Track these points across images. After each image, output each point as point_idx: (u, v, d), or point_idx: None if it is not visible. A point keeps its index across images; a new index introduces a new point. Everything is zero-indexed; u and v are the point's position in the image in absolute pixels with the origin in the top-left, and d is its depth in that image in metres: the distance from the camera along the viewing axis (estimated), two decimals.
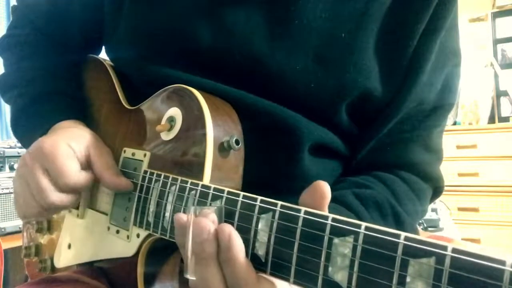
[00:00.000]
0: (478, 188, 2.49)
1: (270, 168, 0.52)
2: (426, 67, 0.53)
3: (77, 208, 0.58)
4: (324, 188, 0.34)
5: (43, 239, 0.68)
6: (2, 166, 1.57)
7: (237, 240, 0.34)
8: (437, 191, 0.60)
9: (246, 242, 0.35)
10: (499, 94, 2.79)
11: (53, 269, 0.64)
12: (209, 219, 0.36)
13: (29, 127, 0.60)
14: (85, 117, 0.62)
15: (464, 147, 2.52)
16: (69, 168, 0.48)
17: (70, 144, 0.50)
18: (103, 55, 0.68)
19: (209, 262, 0.35)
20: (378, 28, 0.51)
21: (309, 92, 0.51)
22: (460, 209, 2.53)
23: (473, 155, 2.51)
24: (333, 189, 0.53)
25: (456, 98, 0.59)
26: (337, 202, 0.50)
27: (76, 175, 0.49)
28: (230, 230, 0.34)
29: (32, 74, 0.62)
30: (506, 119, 2.73)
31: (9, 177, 1.57)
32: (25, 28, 0.68)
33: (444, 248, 0.24)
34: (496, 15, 2.84)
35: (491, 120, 2.78)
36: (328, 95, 0.51)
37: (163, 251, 0.49)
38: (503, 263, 0.22)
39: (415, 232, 0.59)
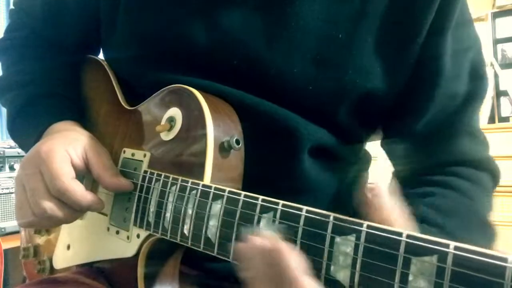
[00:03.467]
0: None
1: (270, 169, 0.51)
2: (445, 60, 0.52)
3: None
4: (376, 187, 0.31)
5: (41, 240, 0.68)
6: (2, 166, 1.57)
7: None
8: (494, 175, 0.57)
9: None
10: (499, 94, 2.78)
11: (52, 270, 0.64)
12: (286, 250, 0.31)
13: (25, 128, 0.59)
14: (84, 118, 0.62)
15: None
16: (62, 172, 0.47)
17: (67, 149, 0.49)
18: (102, 56, 0.68)
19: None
20: (377, 26, 0.51)
21: (307, 95, 0.50)
22: None
23: None
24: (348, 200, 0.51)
25: (487, 81, 0.57)
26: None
27: (68, 180, 0.47)
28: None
29: (29, 77, 0.62)
30: (506, 119, 2.72)
31: (9, 177, 1.57)
32: (23, 31, 0.68)
33: (447, 246, 0.24)
34: (496, 15, 2.84)
35: (491, 120, 2.77)
36: (326, 97, 0.51)
37: (164, 251, 0.49)
38: (505, 260, 0.22)
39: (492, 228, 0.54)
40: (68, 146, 0.50)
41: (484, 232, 0.51)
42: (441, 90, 0.52)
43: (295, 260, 0.30)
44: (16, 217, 0.52)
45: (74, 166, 0.50)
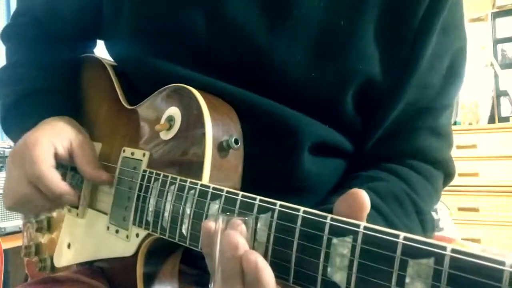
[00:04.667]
0: (478, 188, 2.49)
1: (270, 168, 0.52)
2: (427, 51, 0.51)
3: (77, 207, 0.58)
4: (364, 198, 0.31)
5: (43, 239, 0.68)
6: (2, 166, 1.57)
7: (266, 271, 0.31)
8: (448, 176, 0.59)
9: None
10: (499, 94, 2.78)
11: (53, 268, 0.64)
12: (238, 233, 0.32)
13: (19, 124, 0.60)
14: (82, 115, 0.62)
15: (464, 147, 2.51)
16: (41, 159, 0.50)
17: (52, 140, 0.52)
18: (100, 53, 0.69)
19: (236, 282, 0.32)
20: (377, 13, 0.51)
21: (310, 84, 0.50)
22: (460, 209, 2.52)
23: (473, 155, 2.50)
24: (345, 186, 0.53)
25: (462, 81, 0.58)
26: None
27: (46, 167, 0.50)
28: (256, 260, 0.31)
29: (25, 71, 0.63)
30: (506, 119, 2.72)
31: None
32: (25, 17, 0.69)
33: (443, 248, 0.24)
34: (496, 15, 2.83)
35: (491, 120, 2.77)
36: (330, 85, 0.51)
37: (163, 250, 0.49)
38: (502, 263, 0.22)
39: (433, 221, 0.56)
40: (54, 137, 0.52)
41: (420, 222, 0.51)
42: (417, 79, 0.52)
43: (266, 271, 0.31)
44: (3, 202, 0.55)
45: (58, 157, 0.52)
